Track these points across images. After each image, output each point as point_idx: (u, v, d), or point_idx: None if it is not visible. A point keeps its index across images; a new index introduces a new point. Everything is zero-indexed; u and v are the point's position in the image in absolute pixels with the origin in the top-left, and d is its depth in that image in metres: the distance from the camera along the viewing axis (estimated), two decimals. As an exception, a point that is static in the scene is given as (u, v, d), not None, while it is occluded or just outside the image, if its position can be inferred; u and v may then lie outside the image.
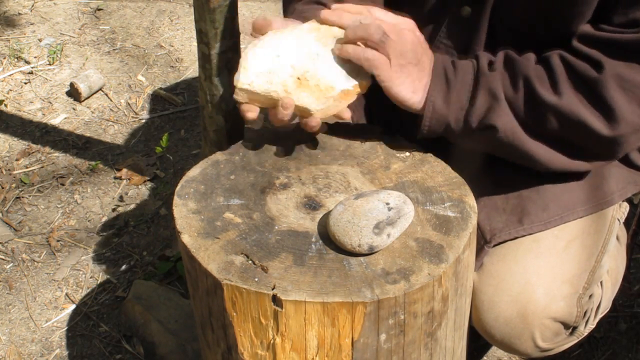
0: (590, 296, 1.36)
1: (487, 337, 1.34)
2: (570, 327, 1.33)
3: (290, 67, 1.16)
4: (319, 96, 1.16)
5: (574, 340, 1.39)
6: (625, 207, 1.43)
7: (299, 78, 1.16)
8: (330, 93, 1.16)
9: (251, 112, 1.18)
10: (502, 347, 1.34)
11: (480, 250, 1.29)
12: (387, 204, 1.06)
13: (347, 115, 1.20)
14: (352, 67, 1.17)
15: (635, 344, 1.84)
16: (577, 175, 1.31)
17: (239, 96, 1.18)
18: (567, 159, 1.21)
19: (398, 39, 1.15)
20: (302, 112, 1.18)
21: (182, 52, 2.98)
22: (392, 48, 1.14)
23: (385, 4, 1.44)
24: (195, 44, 2.92)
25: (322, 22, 1.20)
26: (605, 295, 1.43)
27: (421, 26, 1.32)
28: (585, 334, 1.41)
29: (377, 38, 1.13)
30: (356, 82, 1.18)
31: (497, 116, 1.17)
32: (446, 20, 1.30)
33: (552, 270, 1.29)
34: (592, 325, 1.42)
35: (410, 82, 1.17)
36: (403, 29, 1.17)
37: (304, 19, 1.28)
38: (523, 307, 1.27)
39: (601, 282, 1.41)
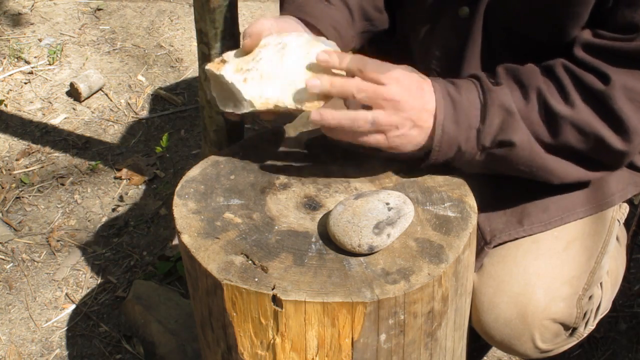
0: (590, 297, 1.36)
1: (486, 338, 1.34)
2: (570, 328, 1.33)
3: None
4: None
5: (573, 341, 1.39)
6: (625, 208, 1.43)
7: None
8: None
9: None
10: (501, 348, 1.34)
11: (480, 251, 1.29)
12: (387, 204, 1.06)
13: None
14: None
15: (635, 344, 1.84)
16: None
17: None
18: (583, 171, 1.20)
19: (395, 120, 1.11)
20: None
21: (182, 52, 2.98)
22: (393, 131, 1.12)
23: (386, 4, 1.44)
24: (195, 44, 2.92)
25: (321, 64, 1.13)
26: (605, 296, 1.43)
27: (419, 25, 1.31)
28: (585, 335, 1.41)
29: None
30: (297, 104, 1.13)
31: (514, 131, 1.13)
32: (444, 21, 1.30)
33: (552, 271, 1.28)
34: (591, 326, 1.42)
35: (415, 140, 1.15)
36: (393, 97, 1.11)
37: (305, 14, 1.27)
38: (523, 308, 1.27)
39: (601, 283, 1.41)
